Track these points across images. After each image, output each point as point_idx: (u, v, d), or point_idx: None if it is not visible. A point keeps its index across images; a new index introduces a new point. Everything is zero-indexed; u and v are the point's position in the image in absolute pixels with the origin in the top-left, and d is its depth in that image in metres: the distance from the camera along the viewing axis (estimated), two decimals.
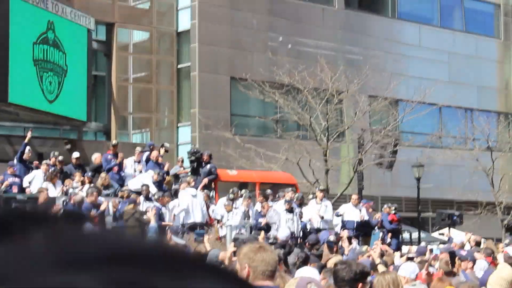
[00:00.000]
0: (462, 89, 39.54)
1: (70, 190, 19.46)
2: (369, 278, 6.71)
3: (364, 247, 15.61)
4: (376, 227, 23.02)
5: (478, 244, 19.46)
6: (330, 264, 11.54)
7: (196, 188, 21.29)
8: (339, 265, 6.25)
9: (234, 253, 11.77)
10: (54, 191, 19.30)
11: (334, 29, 36.63)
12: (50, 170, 19.98)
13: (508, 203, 35.45)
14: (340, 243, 17.53)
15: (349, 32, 37.04)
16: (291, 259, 14.72)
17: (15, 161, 20.96)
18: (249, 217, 20.43)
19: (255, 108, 33.53)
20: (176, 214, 20.15)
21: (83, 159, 23.02)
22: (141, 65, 33.52)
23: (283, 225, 20.10)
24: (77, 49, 28.17)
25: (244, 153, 29.60)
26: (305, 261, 13.32)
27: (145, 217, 14.79)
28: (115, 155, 22.43)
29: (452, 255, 13.41)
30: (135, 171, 22.38)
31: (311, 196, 23.84)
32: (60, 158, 21.22)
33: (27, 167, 20.88)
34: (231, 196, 21.08)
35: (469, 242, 19.65)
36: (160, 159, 23.01)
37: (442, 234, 25.48)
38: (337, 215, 22.62)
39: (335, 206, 24.09)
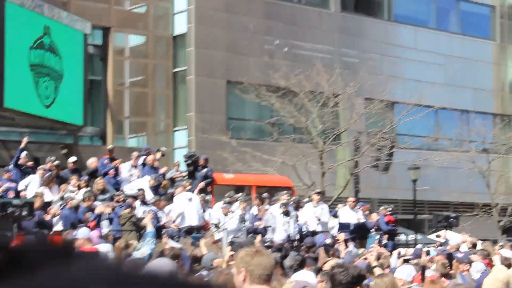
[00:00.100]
0: (458, 91, 39.60)
1: (66, 195, 19.46)
2: (365, 281, 6.72)
3: (361, 250, 15.61)
4: (372, 230, 23.05)
5: (474, 246, 19.47)
6: (327, 267, 11.54)
7: (192, 192, 21.29)
8: (336, 268, 6.26)
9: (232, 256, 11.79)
10: (50, 195, 19.29)
11: (330, 32, 36.67)
12: (46, 175, 19.97)
13: (504, 204, 35.51)
14: (336, 246, 17.53)
15: (345, 35, 37.07)
16: (288, 262, 14.71)
17: (11, 166, 20.94)
18: (245, 220, 20.43)
19: (251, 111, 33.54)
20: (172, 218, 20.14)
21: (80, 163, 23.00)
22: (137, 69, 33.50)
23: (280, 228, 20.11)
24: (73, 54, 28.14)
25: (240, 156, 29.60)
26: (301, 264, 13.31)
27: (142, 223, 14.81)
28: (112, 160, 22.42)
29: (450, 257, 13.42)
30: (131, 175, 22.38)
31: (306, 199, 23.87)
32: (57, 162, 21.20)
33: (23, 172, 20.85)
34: (227, 199, 21.09)
35: (466, 244, 19.67)
36: (156, 163, 23.01)
37: (439, 236, 25.47)
38: (334, 215, 22.64)
39: (332, 209, 24.12)
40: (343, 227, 22.42)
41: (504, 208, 35.65)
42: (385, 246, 21.34)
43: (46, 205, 18.20)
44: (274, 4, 34.97)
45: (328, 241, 17.15)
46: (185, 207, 20.17)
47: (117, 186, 21.82)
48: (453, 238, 21.93)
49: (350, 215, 22.65)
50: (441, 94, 36.47)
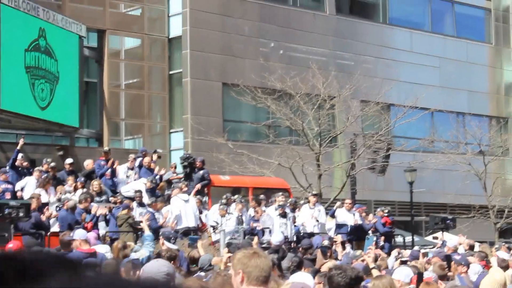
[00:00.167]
0: (454, 94, 39.66)
1: (63, 196, 19.44)
2: (362, 283, 6.71)
3: (358, 252, 15.61)
4: (370, 231, 23.05)
5: (471, 248, 19.48)
6: (325, 269, 11.53)
7: (189, 194, 21.28)
8: (334, 270, 6.25)
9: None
10: (46, 197, 19.28)
11: (326, 35, 36.69)
12: (43, 177, 19.96)
13: (500, 206, 35.56)
14: (333, 248, 17.53)
15: (341, 38, 37.11)
16: (285, 263, 14.71)
17: (7, 167, 20.93)
18: (242, 222, 20.42)
19: (247, 113, 33.54)
20: (169, 218, 20.13)
21: (76, 165, 22.99)
22: (132, 72, 33.49)
23: (277, 230, 20.10)
24: (68, 56, 28.13)
25: (236, 158, 29.60)
26: (299, 266, 13.30)
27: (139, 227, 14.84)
28: (108, 161, 22.43)
29: (448, 258, 13.41)
30: (127, 177, 22.38)
31: (302, 201, 23.87)
32: (53, 164, 21.20)
33: (20, 173, 20.85)
34: (224, 201, 21.09)
35: (463, 246, 19.67)
36: (152, 165, 23.01)
37: (436, 238, 25.50)
38: (332, 215, 22.63)
39: (329, 209, 24.13)
40: (340, 227, 22.42)
41: (500, 210, 35.69)
42: (382, 248, 21.34)
43: (42, 207, 18.19)
44: (269, 6, 34.98)
45: (326, 242, 17.16)
46: (182, 208, 20.16)
47: (113, 187, 21.83)
48: (450, 240, 21.92)
49: (347, 217, 22.65)
50: (436, 97, 36.52)
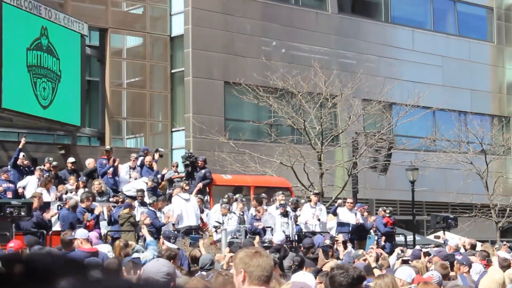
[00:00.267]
0: (456, 93, 39.62)
1: (64, 196, 19.44)
2: (364, 282, 6.70)
3: (360, 251, 15.59)
4: (371, 231, 23.03)
5: (473, 247, 19.45)
6: (326, 268, 11.52)
7: (191, 193, 21.28)
8: (336, 270, 6.24)
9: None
10: (48, 196, 19.28)
11: (328, 34, 36.67)
12: (44, 176, 19.96)
13: (502, 205, 35.52)
14: (335, 247, 17.52)
15: (343, 37, 37.08)
16: (286, 263, 14.70)
17: (9, 166, 20.93)
18: (244, 221, 20.41)
19: (249, 112, 33.53)
20: (172, 217, 20.12)
21: (77, 164, 23.00)
22: (134, 70, 33.49)
23: (278, 229, 20.09)
24: (70, 55, 28.15)
25: (238, 157, 29.59)
26: (300, 265, 13.30)
27: (140, 234, 14.87)
28: (109, 160, 22.43)
29: (451, 258, 13.39)
30: (130, 177, 22.37)
31: (303, 200, 23.83)
32: (55, 163, 21.21)
33: (21, 172, 20.86)
34: (225, 200, 21.09)
35: (464, 246, 19.65)
36: (153, 164, 23.01)
37: (438, 237, 25.47)
38: (333, 213, 22.60)
39: (331, 207, 24.11)
40: (341, 226, 22.40)
41: (502, 209, 35.66)
42: (383, 247, 21.33)
43: (44, 206, 18.19)
44: (271, 5, 34.96)
45: (327, 241, 17.15)
46: (183, 208, 20.15)
47: (115, 186, 21.84)
48: (452, 239, 21.89)
49: (349, 216, 22.63)
50: (438, 95, 36.48)
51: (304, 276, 7.96)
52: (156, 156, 23.75)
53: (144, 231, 15.19)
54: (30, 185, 19.95)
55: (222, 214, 20.32)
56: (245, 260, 4.86)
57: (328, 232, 21.86)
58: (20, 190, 19.75)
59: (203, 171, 23.21)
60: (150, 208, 19.45)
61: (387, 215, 24.16)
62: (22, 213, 15.19)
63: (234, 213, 20.51)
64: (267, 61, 32.25)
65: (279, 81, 30.39)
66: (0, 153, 26.73)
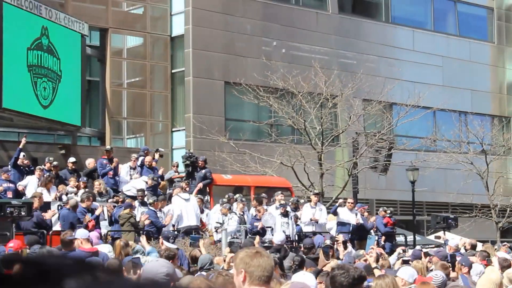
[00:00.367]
0: (456, 93, 39.61)
1: (63, 197, 19.42)
2: (365, 283, 6.70)
3: (361, 251, 15.58)
4: (371, 231, 23.02)
5: (474, 247, 19.45)
6: (327, 268, 11.51)
7: (191, 193, 21.28)
8: (337, 270, 6.24)
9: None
10: (48, 196, 19.28)
11: (328, 34, 36.67)
12: (45, 175, 19.97)
13: (503, 206, 35.52)
14: (335, 247, 17.51)
15: (343, 37, 37.08)
16: (286, 263, 14.70)
17: (9, 166, 20.93)
18: (244, 221, 20.41)
19: (249, 112, 33.53)
20: (173, 218, 20.13)
21: (78, 164, 22.99)
22: (135, 70, 33.49)
23: (278, 229, 20.09)
24: (71, 55, 28.15)
25: (238, 157, 29.59)
26: (301, 265, 13.30)
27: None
28: (110, 160, 22.43)
29: (453, 258, 13.38)
30: (130, 177, 22.37)
31: (302, 200, 23.81)
32: (55, 163, 21.21)
33: (22, 172, 20.87)
34: (225, 200, 21.09)
35: (465, 247, 19.64)
36: (154, 164, 23.00)
37: (439, 237, 25.47)
38: (334, 213, 22.59)
39: (331, 207, 24.10)
40: (342, 226, 22.38)
41: (502, 210, 35.66)
42: (383, 247, 21.31)
43: (44, 206, 18.19)
44: (271, 5, 34.96)
45: (328, 241, 17.14)
46: (183, 208, 20.15)
47: (115, 187, 21.84)
48: (452, 239, 21.88)
49: (349, 216, 22.62)
50: (439, 96, 36.48)
51: (305, 276, 7.95)
52: (157, 156, 23.75)
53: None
54: (30, 185, 19.96)
55: (222, 214, 20.32)
56: (246, 260, 4.86)
57: (328, 232, 21.85)
58: (20, 188, 19.76)
59: (203, 171, 23.21)
60: (151, 208, 19.44)
61: (388, 215, 24.15)
62: (22, 213, 15.18)
63: (235, 213, 20.51)
64: (267, 61, 32.24)
65: (280, 81, 30.39)
66: (1, 153, 26.72)
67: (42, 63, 26.59)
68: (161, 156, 24.36)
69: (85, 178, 21.36)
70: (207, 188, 23.22)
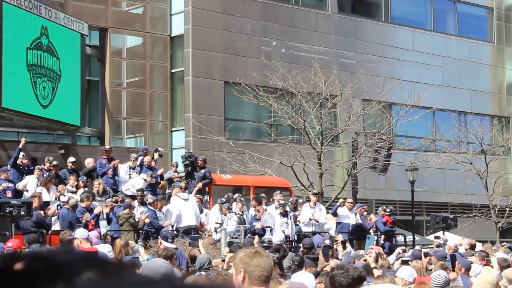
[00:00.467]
0: (456, 93, 39.60)
1: (62, 198, 19.42)
2: (364, 283, 6.70)
3: (361, 251, 15.57)
4: (371, 231, 23.01)
5: (473, 247, 19.44)
6: (328, 269, 11.49)
7: (190, 193, 21.27)
8: (336, 270, 6.24)
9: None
10: (47, 196, 19.29)
11: (328, 34, 36.67)
12: (45, 175, 19.97)
13: (502, 206, 35.52)
14: (334, 247, 17.50)
15: (343, 37, 37.08)
16: (286, 262, 14.71)
17: (8, 166, 20.94)
18: (243, 221, 20.40)
19: (249, 112, 33.52)
20: (169, 218, 20.12)
21: (77, 164, 22.99)
22: (134, 70, 33.48)
23: (278, 229, 20.09)
24: (70, 55, 28.15)
25: (238, 157, 29.58)
26: (300, 265, 13.29)
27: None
28: (110, 160, 22.43)
29: (453, 258, 13.37)
30: (130, 177, 22.36)
31: (300, 200, 23.80)
32: (55, 163, 21.22)
33: (21, 172, 20.87)
34: (223, 199, 21.08)
35: (464, 245, 19.62)
36: (153, 164, 23.00)
37: (438, 237, 25.48)
38: (334, 213, 22.58)
39: (331, 208, 24.10)
40: (341, 226, 22.37)
41: (502, 210, 35.66)
42: (382, 247, 21.31)
43: (44, 205, 18.19)
44: (271, 5, 34.96)
45: (327, 241, 17.13)
46: (181, 208, 20.14)
47: (115, 186, 21.83)
48: (451, 239, 21.89)
49: (348, 216, 22.61)
50: (438, 96, 36.46)
51: (304, 276, 7.95)
52: (156, 155, 23.74)
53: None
54: (29, 185, 19.97)
55: (223, 213, 20.32)
56: (245, 260, 4.86)
57: (327, 232, 21.84)
58: (21, 187, 19.75)
59: (202, 171, 23.21)
60: (150, 207, 19.44)
61: (387, 213, 24.15)
62: (22, 213, 15.18)
63: (234, 213, 20.51)
64: (267, 61, 32.24)
65: (279, 81, 30.38)
66: (0, 153, 26.73)
67: (41, 63, 26.59)
68: (160, 156, 24.36)
69: (84, 178, 21.36)
70: (207, 188, 23.21)
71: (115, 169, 22.21)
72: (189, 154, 24.20)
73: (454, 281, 11.66)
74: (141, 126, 33.29)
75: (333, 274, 6.20)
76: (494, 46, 43.85)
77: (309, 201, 22.70)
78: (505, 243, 24.79)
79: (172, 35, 33.62)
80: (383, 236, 23.51)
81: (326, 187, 29.54)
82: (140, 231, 18.74)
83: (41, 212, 17.67)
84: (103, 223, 19.02)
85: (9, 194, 19.25)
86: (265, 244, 17.63)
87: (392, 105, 35.18)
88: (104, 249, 13.87)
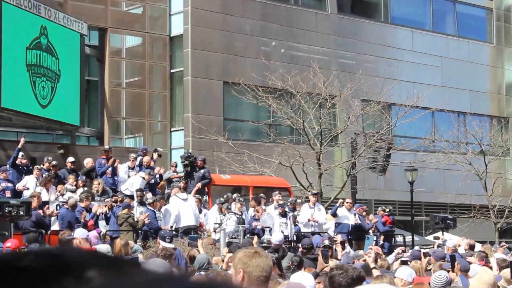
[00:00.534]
0: (455, 93, 39.62)
1: (61, 198, 19.41)
2: (364, 283, 6.70)
3: (360, 252, 15.57)
4: (370, 231, 23.00)
5: (472, 248, 19.44)
6: (327, 269, 11.49)
7: (189, 193, 21.27)
8: (335, 270, 6.24)
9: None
10: (46, 196, 19.28)
11: (327, 34, 36.67)
12: (44, 175, 19.97)
13: (501, 206, 35.54)
14: (334, 247, 17.49)
15: (342, 37, 37.09)
16: (285, 263, 14.69)
17: (7, 166, 20.94)
18: (242, 221, 20.40)
19: (248, 112, 33.52)
20: (168, 219, 20.12)
21: (76, 164, 22.99)
22: (134, 70, 33.48)
23: (277, 229, 20.08)
24: (70, 54, 28.14)
25: (237, 157, 29.58)
26: (299, 265, 13.29)
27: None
28: (108, 160, 22.43)
29: (453, 259, 13.36)
30: (128, 177, 22.35)
31: (299, 200, 23.81)
32: (54, 162, 21.21)
33: (20, 172, 20.87)
34: (222, 200, 21.08)
35: (463, 246, 19.62)
36: (152, 164, 22.99)
37: (438, 237, 25.49)
38: (333, 214, 22.57)
39: (330, 208, 24.10)
40: (340, 227, 22.37)
41: (501, 210, 35.67)
42: (381, 247, 21.31)
43: (43, 205, 18.19)
44: (270, 5, 34.96)
45: (326, 242, 17.13)
46: (180, 208, 20.14)
47: (114, 186, 21.82)
48: (450, 240, 21.89)
49: (347, 216, 22.61)
50: (437, 96, 36.48)
51: (303, 276, 7.95)
52: (155, 156, 23.74)
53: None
54: (28, 185, 19.97)
55: (222, 213, 20.32)
56: (244, 260, 4.86)
57: (326, 232, 21.83)
58: (21, 187, 19.76)
59: (202, 171, 23.20)
60: (149, 207, 19.43)
61: (386, 214, 24.15)
62: (21, 213, 15.18)
63: (233, 213, 20.51)
64: (266, 61, 32.25)
65: (278, 81, 30.39)
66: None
67: (41, 63, 26.58)
68: (159, 156, 24.35)
69: (83, 177, 21.36)
70: (206, 188, 23.21)
71: (114, 169, 22.21)
72: (188, 154, 24.20)
73: (453, 282, 11.65)
74: (140, 126, 33.29)
75: (332, 274, 6.21)
76: (493, 46, 43.87)
77: (308, 201, 22.70)
78: (504, 243, 24.81)
79: (171, 35, 33.63)
80: (382, 237, 23.51)
81: (325, 187, 29.54)
82: (139, 231, 18.73)
83: (40, 211, 17.67)
84: (102, 223, 19.02)
85: (8, 194, 19.25)
86: (264, 244, 17.61)
87: (391, 105, 35.19)
88: (103, 249, 13.86)
